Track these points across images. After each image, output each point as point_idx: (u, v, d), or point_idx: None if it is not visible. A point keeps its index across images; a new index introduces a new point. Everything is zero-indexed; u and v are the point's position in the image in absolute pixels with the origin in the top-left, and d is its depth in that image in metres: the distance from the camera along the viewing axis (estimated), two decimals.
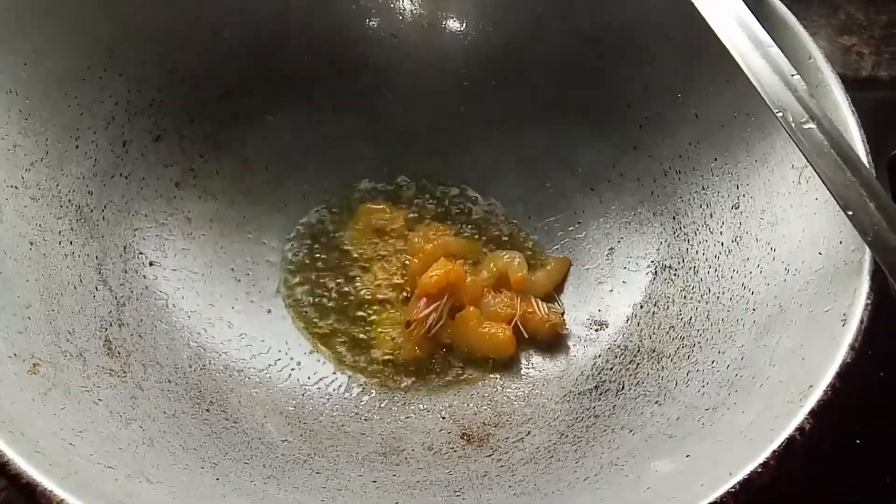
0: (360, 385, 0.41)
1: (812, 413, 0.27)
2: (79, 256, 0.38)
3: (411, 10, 0.51)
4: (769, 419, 0.29)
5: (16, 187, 0.36)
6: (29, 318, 0.33)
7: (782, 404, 0.29)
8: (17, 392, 0.28)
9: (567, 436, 0.37)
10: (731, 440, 0.29)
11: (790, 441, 0.27)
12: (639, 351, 0.40)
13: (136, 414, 0.33)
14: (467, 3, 0.49)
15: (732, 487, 0.26)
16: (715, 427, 0.31)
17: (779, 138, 0.39)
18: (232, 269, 0.45)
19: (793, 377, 0.30)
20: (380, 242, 0.48)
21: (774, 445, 0.26)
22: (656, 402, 0.36)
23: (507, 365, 0.42)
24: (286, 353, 0.42)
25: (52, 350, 0.32)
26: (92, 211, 0.40)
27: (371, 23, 0.50)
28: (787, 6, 0.40)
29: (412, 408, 0.41)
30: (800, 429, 0.27)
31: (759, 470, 0.26)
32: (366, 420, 0.40)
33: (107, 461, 0.28)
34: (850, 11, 0.66)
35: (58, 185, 0.39)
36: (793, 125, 0.33)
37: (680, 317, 0.40)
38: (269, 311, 0.44)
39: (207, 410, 0.37)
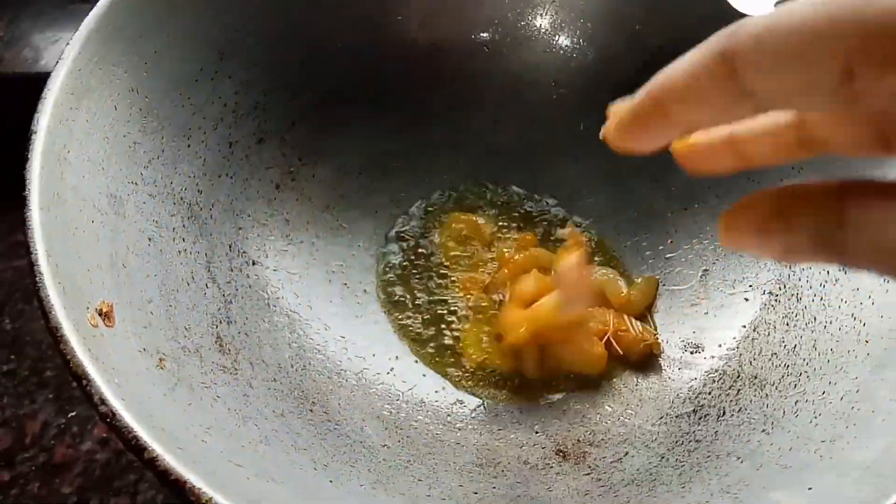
0: (451, 393, 0.42)
1: None
2: (190, 253, 0.39)
3: (506, 23, 0.51)
4: (895, 456, 0.28)
5: (136, 183, 0.37)
6: (151, 312, 0.33)
7: None
8: (151, 387, 0.29)
9: (668, 459, 0.36)
10: (857, 475, 0.29)
11: None
12: (739, 377, 0.39)
13: (251, 412, 0.33)
14: (562, 17, 0.49)
15: None
16: (835, 460, 0.31)
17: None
18: (326, 272, 0.45)
19: None
20: (468, 251, 0.48)
21: None
22: (763, 431, 0.35)
23: (599, 383, 0.42)
24: (380, 357, 0.43)
25: (172, 345, 0.33)
26: (201, 209, 0.41)
27: (470, 35, 0.50)
28: None
29: (503, 420, 0.41)
30: None
31: None
32: (459, 430, 0.40)
33: (235, 459, 0.28)
34: None
35: (172, 182, 0.39)
36: None
37: (783, 344, 0.39)
38: (362, 314, 0.44)
39: (311, 411, 0.37)
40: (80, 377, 0.26)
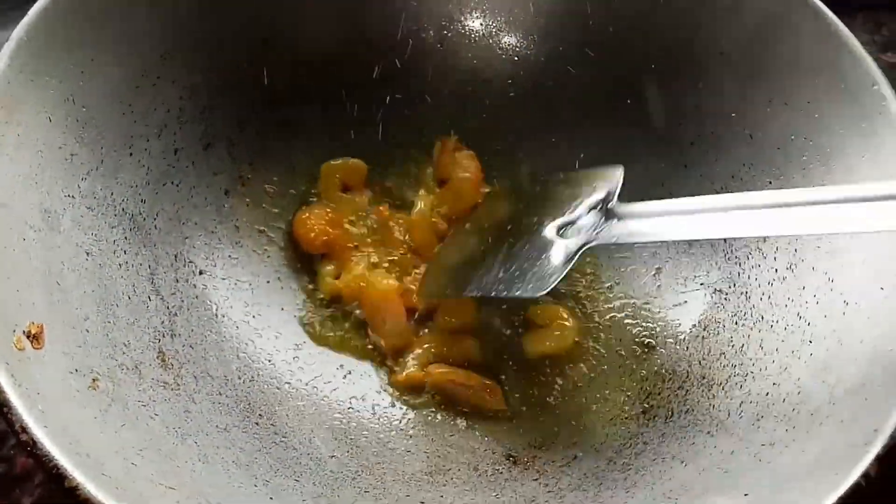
0: (400, 402, 0.42)
1: (877, 458, 0.27)
2: (132, 266, 0.38)
3: (460, 21, 0.50)
4: (831, 461, 0.28)
5: (73, 196, 0.36)
6: (87, 330, 0.33)
7: (845, 447, 0.28)
8: (80, 410, 0.29)
9: (615, 462, 0.36)
10: (793, 482, 0.29)
11: (856, 487, 0.26)
12: (688, 377, 0.39)
13: (191, 428, 0.33)
14: (519, 18, 0.49)
15: None
16: (773, 465, 0.31)
17: (838, 165, 0.38)
18: (278, 279, 0.45)
19: (855, 418, 0.29)
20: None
21: (840, 491, 0.26)
22: (708, 433, 0.35)
23: (552, 384, 0.42)
24: (332, 366, 0.42)
25: (109, 363, 0.33)
26: (145, 219, 0.40)
27: (419, 32, 0.49)
28: None
29: (454, 425, 0.41)
30: (865, 474, 0.27)
31: None
32: (410, 437, 0.40)
33: (167, 481, 0.28)
34: (893, 28, 0.65)
35: (112, 193, 0.39)
36: None
37: (731, 343, 0.39)
38: (314, 323, 0.44)
39: (257, 424, 0.37)
40: (1, 404, 0.25)
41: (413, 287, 0.44)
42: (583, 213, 0.39)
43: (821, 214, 0.31)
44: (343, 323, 0.44)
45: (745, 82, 0.43)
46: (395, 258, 0.46)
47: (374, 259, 0.46)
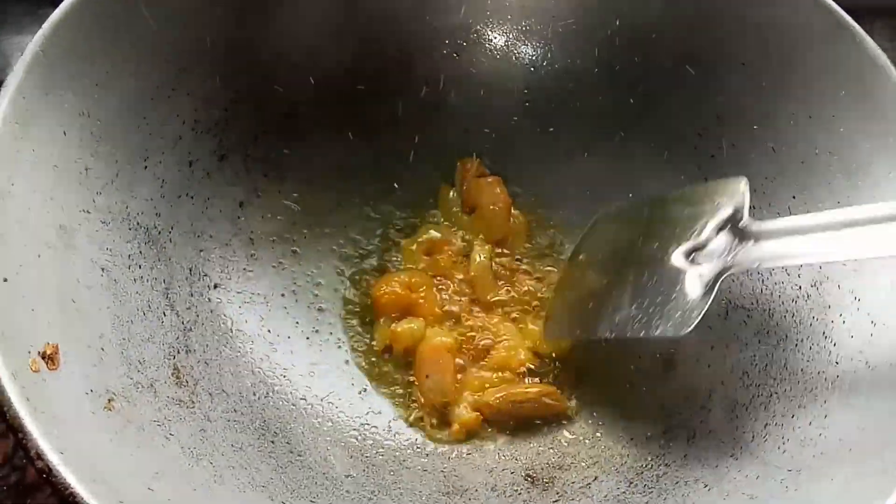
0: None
1: None
2: (147, 281, 0.38)
3: (475, 31, 0.50)
4: (861, 489, 0.28)
5: (88, 211, 0.36)
6: (102, 348, 0.33)
7: (875, 474, 0.28)
8: (95, 433, 0.28)
9: (636, 485, 0.36)
10: None
11: None
12: (710, 396, 0.39)
13: (206, 448, 0.33)
14: (536, 28, 0.48)
15: None
16: (800, 493, 0.30)
17: (865, 179, 0.38)
18: (294, 292, 0.44)
19: (886, 444, 0.29)
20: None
21: None
22: (732, 455, 0.35)
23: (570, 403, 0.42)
24: (346, 382, 0.42)
25: (124, 382, 0.32)
26: (160, 233, 0.40)
27: (435, 43, 0.49)
28: None
29: (474, 444, 0.40)
30: None
31: None
32: (427, 455, 0.39)
33: None
34: None
35: (127, 207, 0.38)
36: None
37: (754, 362, 0.39)
38: (329, 337, 0.44)
39: (272, 442, 0.36)
40: (16, 430, 0.25)
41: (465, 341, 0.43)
42: (712, 236, 0.35)
43: None
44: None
45: (768, 95, 0.42)
46: (455, 309, 0.45)
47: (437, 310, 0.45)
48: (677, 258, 0.36)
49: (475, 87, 0.50)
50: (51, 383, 0.28)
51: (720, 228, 0.35)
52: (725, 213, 0.35)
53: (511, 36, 0.49)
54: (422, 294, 0.44)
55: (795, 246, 0.32)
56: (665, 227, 0.38)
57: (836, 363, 0.35)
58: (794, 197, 0.41)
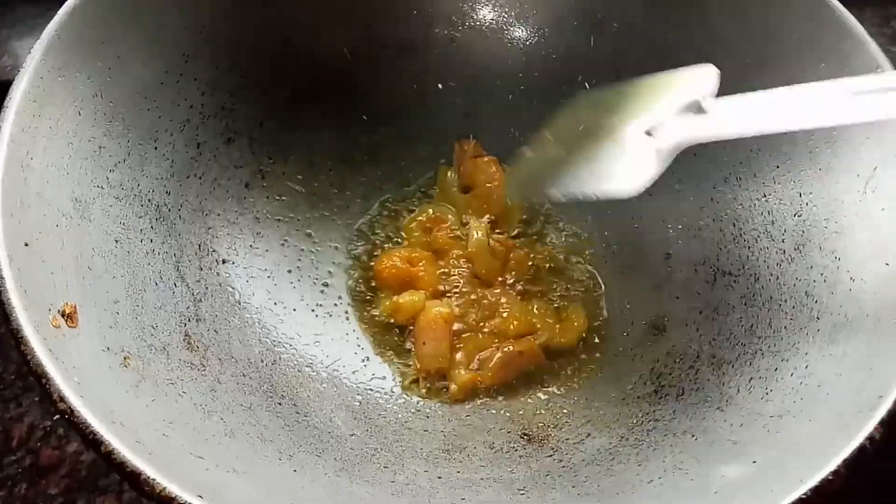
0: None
1: (882, 423, 0.28)
2: (159, 254, 0.40)
3: (472, 16, 0.51)
4: (838, 428, 0.29)
5: (101, 187, 0.38)
6: (117, 312, 0.34)
7: (851, 414, 0.29)
8: (113, 384, 0.30)
9: (627, 439, 0.37)
10: (800, 448, 0.30)
11: (860, 450, 0.27)
12: (698, 357, 0.40)
13: (217, 406, 0.34)
14: (530, 10, 0.50)
15: (804, 494, 0.26)
16: (781, 434, 0.31)
17: (844, 146, 0.39)
18: (298, 268, 0.46)
19: (861, 387, 0.30)
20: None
21: (845, 454, 0.27)
22: (718, 408, 0.36)
23: (566, 365, 0.43)
24: (350, 351, 0.43)
25: (139, 344, 0.34)
26: (170, 210, 0.42)
27: (434, 30, 0.50)
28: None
29: (472, 406, 0.42)
30: (870, 438, 0.27)
31: (830, 477, 0.26)
32: (428, 417, 0.41)
33: (197, 451, 0.29)
34: None
35: (139, 185, 0.40)
36: None
37: (741, 323, 0.40)
38: (333, 310, 0.45)
39: (279, 404, 0.38)
40: (40, 376, 0.27)
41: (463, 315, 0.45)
42: (672, 115, 0.36)
43: None
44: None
45: (751, 70, 0.44)
46: (459, 287, 0.47)
47: (441, 287, 0.47)
48: (636, 132, 0.37)
49: (472, 70, 0.52)
50: (70, 339, 0.30)
51: (682, 110, 0.36)
52: (690, 95, 0.36)
53: (505, 18, 0.50)
54: (422, 268, 0.46)
55: (749, 117, 0.34)
56: (629, 106, 0.39)
57: (818, 318, 0.36)
58: (777, 167, 0.42)
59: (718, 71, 0.36)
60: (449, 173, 0.51)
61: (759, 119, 0.34)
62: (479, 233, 0.48)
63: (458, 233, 0.49)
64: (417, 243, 0.48)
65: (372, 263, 0.47)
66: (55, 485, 0.46)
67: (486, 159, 0.50)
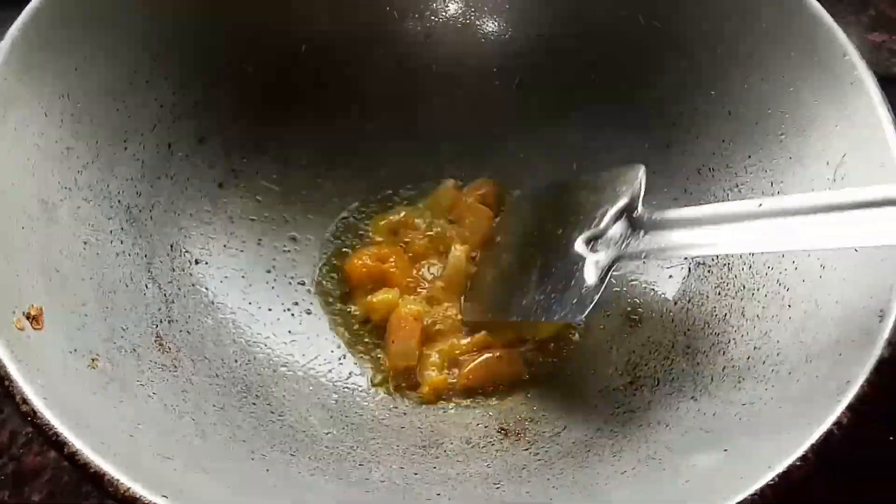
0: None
1: (850, 408, 0.28)
2: (129, 255, 0.39)
3: (444, 11, 0.51)
4: (807, 413, 0.29)
5: (70, 189, 0.38)
6: (86, 314, 0.34)
7: (820, 399, 0.29)
8: (79, 386, 0.30)
9: (603, 430, 0.37)
10: (769, 435, 0.30)
11: (828, 435, 0.27)
12: (673, 347, 0.40)
13: (188, 407, 0.34)
14: (499, 5, 0.50)
15: (771, 480, 0.26)
16: (752, 422, 0.32)
17: (814, 135, 0.39)
18: (274, 268, 0.46)
19: (830, 373, 0.30)
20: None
21: (813, 439, 0.27)
22: (692, 398, 0.36)
23: (542, 362, 0.43)
24: (327, 349, 0.43)
25: (107, 346, 0.34)
26: (140, 211, 0.41)
27: (407, 24, 0.50)
28: (818, 2, 0.40)
29: (449, 403, 0.42)
30: (837, 423, 0.28)
31: (798, 463, 0.27)
32: (404, 414, 0.41)
33: (165, 452, 0.29)
34: (880, 8, 0.66)
35: (108, 186, 0.40)
36: None
37: (714, 313, 0.40)
38: (309, 309, 0.45)
39: (254, 404, 0.38)
40: (2, 378, 0.26)
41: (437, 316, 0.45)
42: (610, 224, 0.38)
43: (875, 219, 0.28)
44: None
45: (724, 60, 0.44)
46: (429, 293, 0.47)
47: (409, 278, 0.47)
48: (579, 245, 0.39)
49: (447, 67, 0.51)
50: (35, 340, 0.30)
51: (618, 217, 0.38)
52: (623, 201, 0.38)
53: (475, 12, 0.50)
54: (392, 264, 0.46)
55: (679, 238, 0.35)
56: (570, 213, 0.41)
57: (789, 306, 0.36)
58: (749, 156, 0.43)
59: (644, 170, 0.39)
60: (450, 184, 0.50)
61: (687, 240, 0.35)
62: (459, 254, 0.47)
63: (432, 234, 0.48)
64: (385, 244, 0.48)
65: (346, 262, 0.47)
66: (38, 491, 0.45)
67: (481, 207, 0.49)
